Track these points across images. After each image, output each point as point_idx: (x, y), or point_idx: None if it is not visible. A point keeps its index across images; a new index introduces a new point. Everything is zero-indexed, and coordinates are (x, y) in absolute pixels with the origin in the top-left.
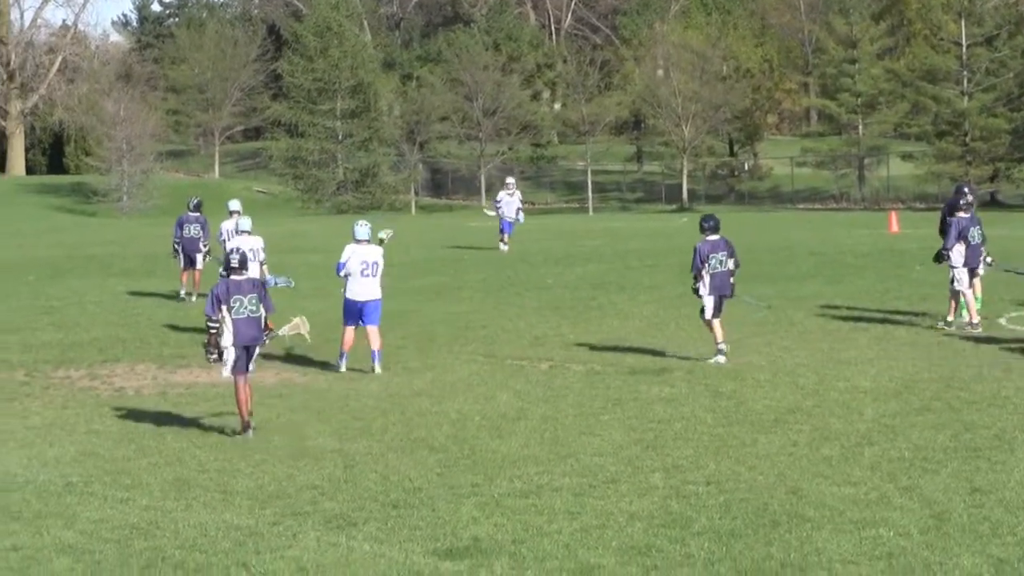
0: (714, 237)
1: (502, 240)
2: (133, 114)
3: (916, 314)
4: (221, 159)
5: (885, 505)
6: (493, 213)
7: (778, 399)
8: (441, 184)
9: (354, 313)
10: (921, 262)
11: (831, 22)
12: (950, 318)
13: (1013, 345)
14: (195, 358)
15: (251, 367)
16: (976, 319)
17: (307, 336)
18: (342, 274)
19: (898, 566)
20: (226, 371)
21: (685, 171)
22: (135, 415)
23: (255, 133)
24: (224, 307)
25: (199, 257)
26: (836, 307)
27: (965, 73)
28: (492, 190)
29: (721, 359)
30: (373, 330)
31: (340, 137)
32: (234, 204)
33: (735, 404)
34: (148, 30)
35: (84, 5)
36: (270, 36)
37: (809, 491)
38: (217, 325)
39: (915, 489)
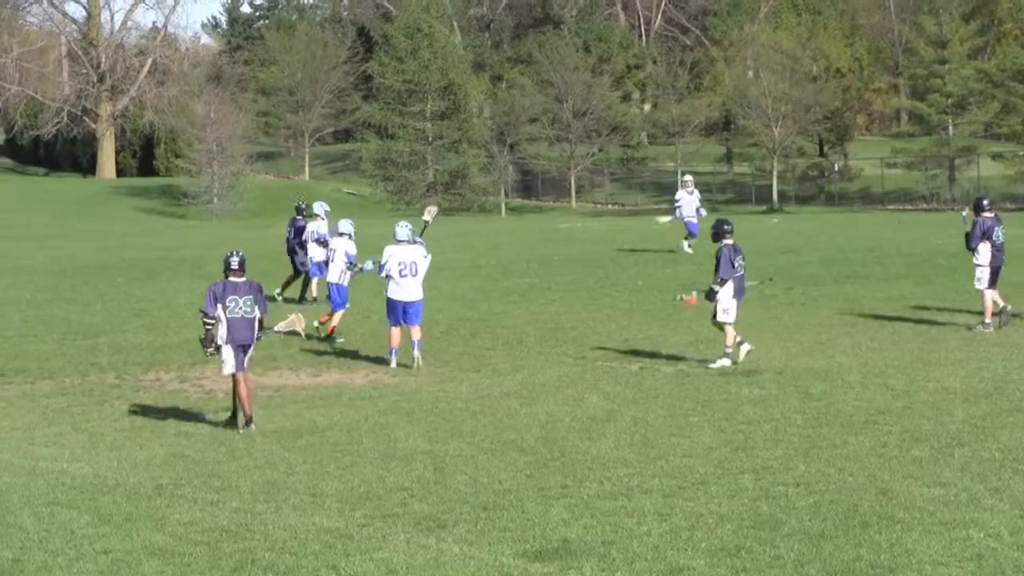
0: (730, 240)
1: (687, 241)
2: (223, 116)
3: None
4: (311, 161)
5: (975, 506)
6: (668, 219)
7: (868, 400)
8: (531, 186)
9: (396, 312)
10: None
11: (921, 22)
12: None
13: None
14: (284, 360)
15: (246, 364)
16: (989, 319)
17: (302, 333)
18: (383, 275)
19: (988, 567)
20: (227, 369)
21: (775, 172)
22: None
23: (345, 135)
24: (220, 305)
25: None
26: (926, 308)
27: None
28: (582, 192)
29: (727, 362)
30: (414, 328)
31: (430, 139)
32: (317, 207)
33: (825, 405)
34: (238, 32)
35: (174, 7)
36: (360, 38)
37: (899, 492)
38: (212, 322)
39: (1005, 490)
